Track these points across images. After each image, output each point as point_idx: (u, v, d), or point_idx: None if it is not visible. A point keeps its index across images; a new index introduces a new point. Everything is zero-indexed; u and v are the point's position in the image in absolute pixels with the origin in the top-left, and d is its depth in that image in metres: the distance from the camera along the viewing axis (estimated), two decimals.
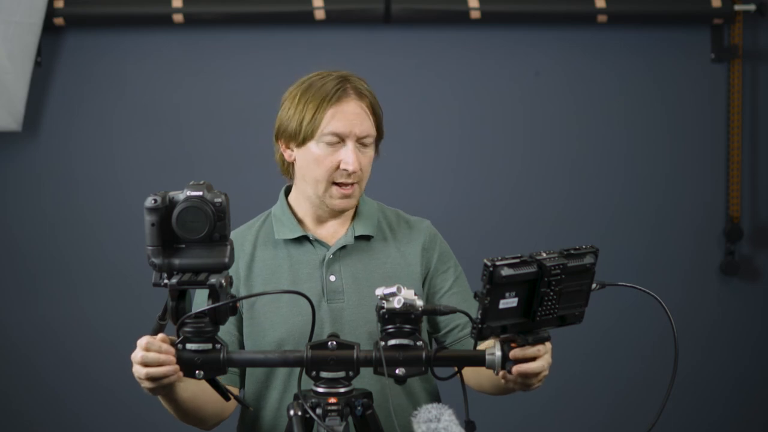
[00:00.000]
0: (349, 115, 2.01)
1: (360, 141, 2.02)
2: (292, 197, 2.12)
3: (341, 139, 2.01)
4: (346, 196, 2.03)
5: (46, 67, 3.57)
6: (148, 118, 3.63)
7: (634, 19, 3.72)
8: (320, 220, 2.10)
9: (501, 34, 3.69)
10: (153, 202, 1.72)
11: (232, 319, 2.05)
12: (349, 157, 2.00)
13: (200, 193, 1.73)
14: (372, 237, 2.10)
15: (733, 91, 3.74)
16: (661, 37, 3.74)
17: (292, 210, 2.11)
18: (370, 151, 2.05)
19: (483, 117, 3.72)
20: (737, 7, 3.67)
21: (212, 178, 1.83)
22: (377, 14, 3.57)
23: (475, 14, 3.60)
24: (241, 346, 2.07)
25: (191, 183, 1.74)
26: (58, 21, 3.51)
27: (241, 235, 2.11)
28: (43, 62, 3.56)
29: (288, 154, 2.07)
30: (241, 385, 2.11)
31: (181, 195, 1.73)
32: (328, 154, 2.02)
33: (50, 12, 3.48)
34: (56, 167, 3.61)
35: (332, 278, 2.05)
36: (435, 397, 2.14)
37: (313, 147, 2.03)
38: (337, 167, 2.02)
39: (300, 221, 2.10)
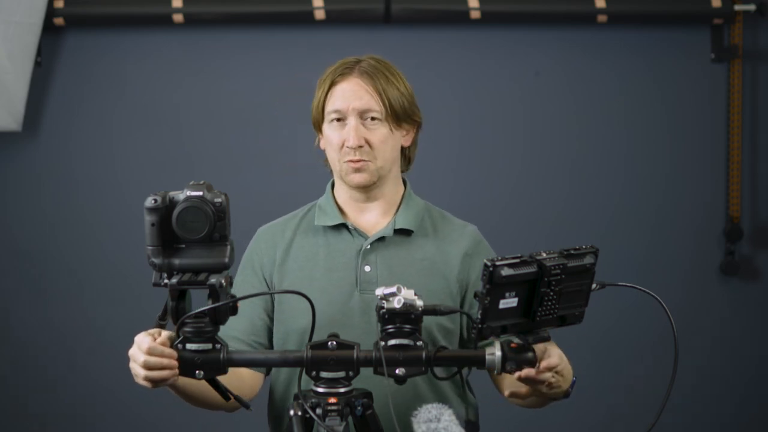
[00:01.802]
0: (346, 92, 2.04)
1: (363, 116, 2.03)
2: (335, 188, 2.14)
3: (343, 117, 2.04)
4: (358, 170, 2.04)
5: (46, 67, 3.57)
6: (148, 118, 3.63)
7: (634, 19, 3.72)
8: (360, 209, 2.10)
9: (501, 34, 3.69)
10: (153, 202, 1.72)
11: (262, 305, 2.07)
12: (349, 132, 2.02)
13: (200, 193, 1.73)
14: (412, 232, 2.09)
15: (733, 91, 3.74)
16: (661, 37, 3.74)
17: (335, 199, 2.12)
18: (381, 128, 2.04)
19: (483, 117, 3.72)
20: (737, 7, 3.66)
21: (212, 178, 1.83)
22: (377, 14, 3.57)
23: (475, 14, 3.60)
24: (271, 331, 2.08)
25: (191, 183, 1.74)
26: (58, 21, 3.51)
27: (282, 223, 2.15)
28: (43, 62, 3.56)
29: (322, 142, 2.11)
30: (268, 372, 2.10)
31: (181, 195, 1.73)
32: (336, 133, 2.04)
33: (50, 12, 3.48)
34: (56, 167, 3.61)
35: (367, 268, 2.05)
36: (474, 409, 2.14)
37: (326, 129, 2.07)
38: (344, 145, 2.03)
39: (342, 210, 2.11)
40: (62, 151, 3.61)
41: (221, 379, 1.82)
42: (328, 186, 2.16)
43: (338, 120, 2.04)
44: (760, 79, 3.78)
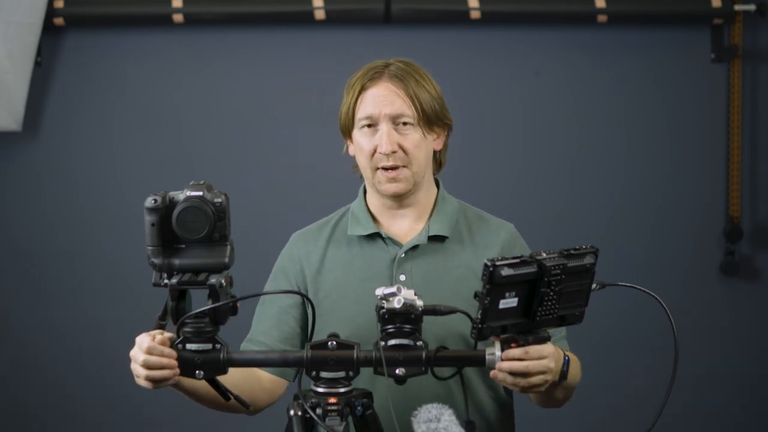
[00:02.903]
0: (377, 97, 2.01)
1: (395, 121, 2.00)
2: (367, 194, 2.11)
3: (375, 122, 2.00)
4: (393, 180, 2.01)
5: (46, 67, 3.57)
6: (148, 118, 3.63)
7: (634, 19, 3.72)
8: (393, 216, 2.07)
9: (501, 34, 3.69)
10: (153, 202, 1.72)
11: (293, 313, 2.05)
12: (382, 138, 1.99)
13: (200, 193, 1.73)
14: (447, 238, 2.06)
15: (733, 91, 3.74)
16: (661, 37, 3.74)
17: (367, 206, 2.09)
18: (414, 133, 2.01)
19: (483, 117, 3.71)
20: (737, 7, 3.67)
21: (212, 178, 1.83)
22: (377, 14, 3.57)
23: (475, 14, 3.60)
24: (302, 339, 2.05)
25: (191, 183, 1.74)
26: (58, 21, 3.51)
27: (315, 231, 2.11)
28: (43, 62, 3.56)
29: (351, 149, 2.08)
30: (294, 379, 2.04)
31: (181, 195, 1.73)
32: (367, 140, 2.01)
33: (50, 12, 3.48)
34: (56, 167, 3.61)
35: (402, 278, 2.02)
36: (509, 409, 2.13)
37: (357, 135, 2.03)
38: (375, 151, 2.00)
39: (375, 219, 2.08)
40: (62, 151, 3.61)
41: (229, 376, 1.81)
42: (360, 191, 2.12)
43: (369, 126, 2.01)
44: (760, 79, 3.78)
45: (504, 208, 3.72)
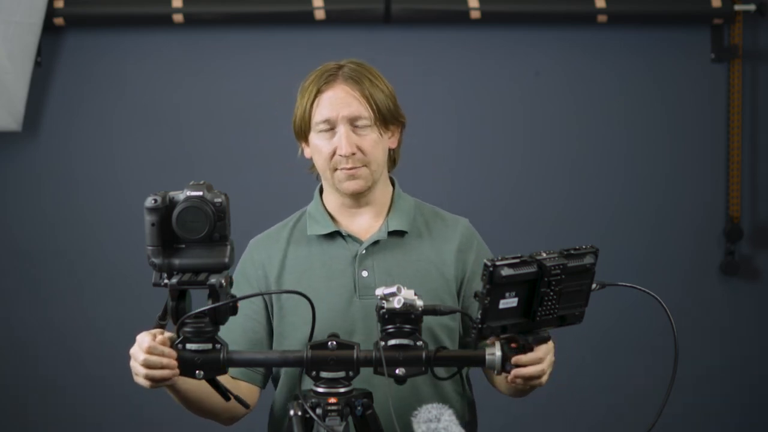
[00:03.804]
0: (334, 100, 2.02)
1: (353, 123, 2.02)
2: (324, 194, 2.13)
3: (333, 125, 2.02)
4: (352, 177, 2.03)
5: (46, 67, 3.57)
6: (148, 118, 3.63)
7: (634, 19, 3.72)
8: (352, 215, 2.09)
9: (501, 34, 3.69)
10: (153, 202, 1.72)
11: (257, 318, 2.06)
12: (340, 140, 2.01)
13: (200, 193, 1.73)
14: (406, 233, 2.09)
15: (733, 91, 3.74)
16: (661, 37, 3.74)
17: (324, 206, 2.11)
18: (371, 133, 2.04)
19: (483, 117, 3.72)
20: (737, 7, 3.66)
21: (212, 178, 1.83)
22: (377, 14, 3.57)
23: (475, 14, 3.60)
24: (269, 344, 2.07)
25: (191, 183, 1.75)
26: (58, 21, 3.51)
27: (275, 233, 2.13)
28: (43, 62, 3.56)
29: (307, 151, 2.10)
30: (263, 385, 2.09)
31: (181, 195, 1.73)
32: (325, 142, 2.03)
33: (50, 12, 3.48)
34: (56, 167, 3.61)
35: (365, 274, 2.04)
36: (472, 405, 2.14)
37: (314, 138, 2.05)
38: (335, 153, 2.02)
39: (333, 217, 2.10)
40: (62, 151, 3.61)
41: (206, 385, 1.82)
42: (316, 193, 2.15)
43: (327, 129, 2.03)
44: (760, 79, 3.78)
45: (504, 208, 3.75)
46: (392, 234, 2.08)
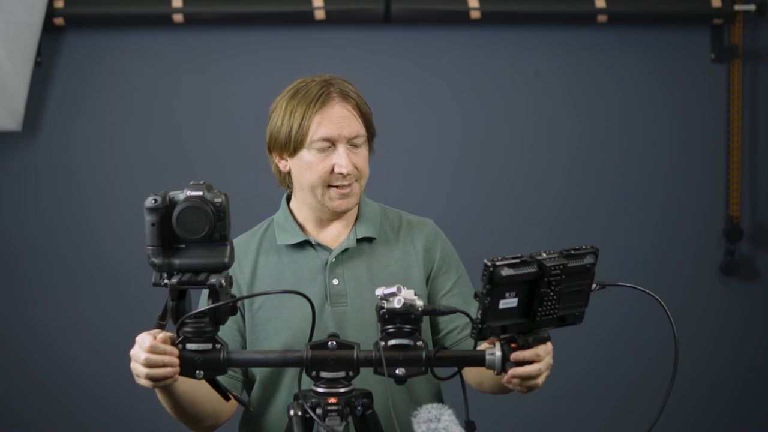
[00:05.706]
0: (335, 119, 2.01)
1: (351, 142, 2.03)
2: (293, 204, 2.12)
3: (332, 144, 2.01)
4: (345, 196, 2.03)
5: (46, 67, 3.57)
6: (148, 118, 3.63)
7: (634, 19, 3.72)
8: (322, 224, 2.09)
9: (501, 34, 3.69)
10: (153, 202, 1.72)
11: (236, 326, 2.06)
12: (342, 160, 2.01)
13: (200, 193, 1.73)
14: (374, 239, 2.10)
15: (733, 91, 3.74)
16: (661, 37, 3.74)
17: (293, 216, 2.11)
18: (363, 150, 2.05)
19: (483, 117, 3.72)
20: (737, 7, 3.66)
21: (212, 178, 1.83)
22: (377, 14, 3.57)
23: (475, 14, 3.60)
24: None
25: (191, 183, 1.74)
26: (58, 21, 3.51)
27: (244, 243, 2.11)
28: (43, 62, 3.56)
29: (283, 165, 2.08)
30: (242, 390, 2.10)
31: (181, 195, 1.73)
32: (321, 159, 2.02)
33: (50, 12, 3.48)
34: (56, 167, 3.61)
35: (335, 282, 2.05)
36: (438, 398, 2.14)
37: (305, 155, 2.03)
38: (331, 171, 2.02)
39: (302, 226, 2.10)
40: (62, 151, 3.61)
41: (196, 388, 1.83)
42: (283, 201, 2.14)
43: (326, 147, 2.02)
44: (760, 79, 3.78)
45: (504, 208, 3.75)
46: (360, 241, 2.08)
